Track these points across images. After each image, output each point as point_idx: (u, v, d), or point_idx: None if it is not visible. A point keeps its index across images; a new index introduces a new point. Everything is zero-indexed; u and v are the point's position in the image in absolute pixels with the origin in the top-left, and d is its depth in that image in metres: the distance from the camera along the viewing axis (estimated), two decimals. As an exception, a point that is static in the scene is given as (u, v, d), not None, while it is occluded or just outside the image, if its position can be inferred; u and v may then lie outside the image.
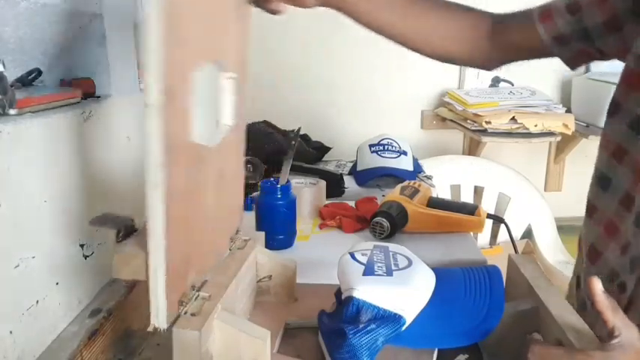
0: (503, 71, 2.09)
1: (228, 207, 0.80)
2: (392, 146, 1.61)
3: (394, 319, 0.65)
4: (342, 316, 0.67)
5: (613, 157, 0.73)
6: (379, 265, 0.69)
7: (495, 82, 2.11)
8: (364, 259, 0.70)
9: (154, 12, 0.51)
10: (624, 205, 0.70)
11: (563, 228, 2.03)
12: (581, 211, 0.85)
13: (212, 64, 0.66)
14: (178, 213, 0.60)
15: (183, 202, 0.61)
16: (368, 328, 0.64)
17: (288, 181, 1.14)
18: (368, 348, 0.64)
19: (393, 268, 0.69)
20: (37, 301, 0.65)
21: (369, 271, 0.68)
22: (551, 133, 1.85)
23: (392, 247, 0.76)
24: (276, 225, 1.11)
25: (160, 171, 0.55)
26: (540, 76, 2.12)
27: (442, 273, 0.72)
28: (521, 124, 1.82)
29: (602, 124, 2.03)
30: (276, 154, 1.62)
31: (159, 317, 0.59)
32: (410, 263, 0.71)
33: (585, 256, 0.78)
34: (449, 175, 2.01)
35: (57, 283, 0.69)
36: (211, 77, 0.65)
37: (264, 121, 1.82)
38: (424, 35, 0.88)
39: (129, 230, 0.63)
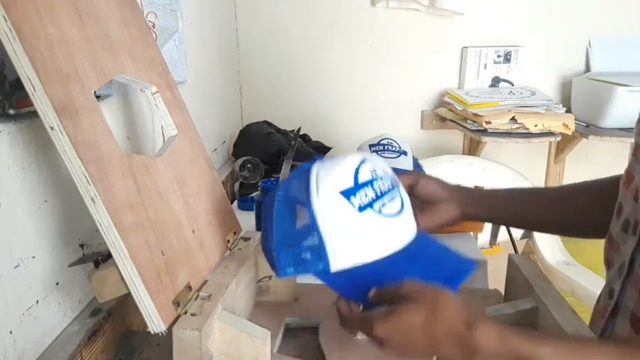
0: (503, 71, 2.10)
1: (208, 210, 0.81)
2: (392, 146, 1.60)
3: None
4: None
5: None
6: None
7: (495, 82, 2.10)
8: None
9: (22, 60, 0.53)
10: (617, 213, 0.71)
11: (563, 228, 2.03)
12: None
13: (110, 79, 0.67)
14: (131, 221, 0.61)
15: (133, 211, 0.62)
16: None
17: (288, 181, 1.14)
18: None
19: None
20: (37, 301, 0.65)
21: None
22: (551, 133, 1.84)
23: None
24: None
25: (92, 185, 0.56)
26: (540, 76, 2.11)
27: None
28: (521, 124, 1.82)
29: (602, 124, 2.02)
30: (276, 154, 1.62)
31: (154, 322, 0.59)
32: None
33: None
34: (449, 175, 2.00)
35: (57, 283, 0.69)
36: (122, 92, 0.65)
37: (264, 121, 1.82)
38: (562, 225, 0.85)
39: (106, 259, 0.64)
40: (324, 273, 0.64)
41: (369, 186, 0.65)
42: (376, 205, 0.65)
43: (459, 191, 0.85)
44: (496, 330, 0.54)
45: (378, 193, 0.66)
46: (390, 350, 0.58)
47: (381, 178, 0.67)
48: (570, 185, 0.86)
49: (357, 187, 0.65)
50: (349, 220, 0.63)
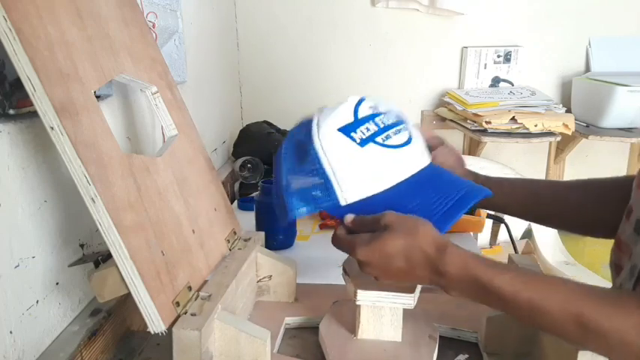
0: (503, 71, 2.10)
1: (208, 210, 0.81)
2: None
3: None
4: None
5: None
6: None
7: (495, 82, 2.10)
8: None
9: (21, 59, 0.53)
10: (627, 216, 0.70)
11: (563, 228, 2.03)
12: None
13: (110, 79, 0.67)
14: (131, 221, 0.61)
15: (133, 211, 0.62)
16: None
17: (288, 181, 1.14)
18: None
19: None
20: (37, 301, 0.65)
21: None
22: (551, 133, 1.84)
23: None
24: (276, 225, 1.11)
25: (92, 185, 0.56)
26: (540, 76, 2.11)
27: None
28: (521, 124, 1.82)
29: (602, 124, 2.02)
30: (276, 154, 1.62)
31: (154, 322, 0.59)
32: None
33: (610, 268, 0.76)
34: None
35: (57, 283, 0.69)
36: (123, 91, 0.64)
37: (264, 121, 1.82)
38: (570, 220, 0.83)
39: (106, 259, 0.64)
40: (335, 208, 0.68)
41: (371, 121, 0.69)
42: (379, 138, 0.68)
43: (475, 177, 0.83)
44: (462, 257, 0.60)
45: (381, 126, 0.69)
46: (369, 272, 0.64)
47: (384, 114, 0.71)
48: (582, 181, 0.84)
49: (357, 122, 0.69)
50: (351, 155, 0.67)
